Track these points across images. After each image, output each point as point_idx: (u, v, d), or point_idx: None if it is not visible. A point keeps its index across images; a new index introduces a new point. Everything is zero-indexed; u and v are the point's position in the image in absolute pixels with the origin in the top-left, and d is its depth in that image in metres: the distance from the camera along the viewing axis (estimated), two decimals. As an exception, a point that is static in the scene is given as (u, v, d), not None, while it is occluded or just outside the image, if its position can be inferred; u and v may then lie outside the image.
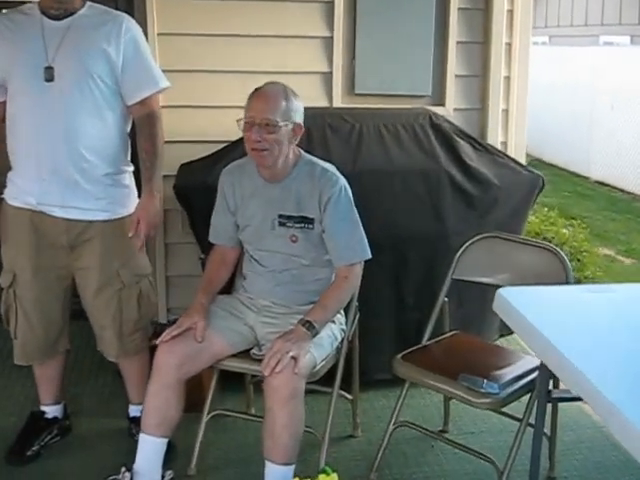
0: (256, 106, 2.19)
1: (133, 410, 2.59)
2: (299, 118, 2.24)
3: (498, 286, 2.55)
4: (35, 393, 2.61)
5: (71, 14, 2.25)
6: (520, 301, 1.85)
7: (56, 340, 2.46)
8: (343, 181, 2.30)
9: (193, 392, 2.33)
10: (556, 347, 1.58)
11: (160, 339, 2.18)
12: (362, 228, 2.32)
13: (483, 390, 2.15)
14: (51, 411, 2.58)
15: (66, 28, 2.23)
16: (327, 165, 2.33)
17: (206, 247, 2.52)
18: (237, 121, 2.21)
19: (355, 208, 2.32)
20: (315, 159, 2.34)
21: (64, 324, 2.47)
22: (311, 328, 2.16)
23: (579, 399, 1.54)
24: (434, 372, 2.28)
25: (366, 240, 2.32)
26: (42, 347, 2.44)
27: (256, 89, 2.23)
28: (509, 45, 3.25)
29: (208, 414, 2.43)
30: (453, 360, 2.44)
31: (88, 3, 2.31)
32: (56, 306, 2.42)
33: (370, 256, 2.33)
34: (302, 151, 2.35)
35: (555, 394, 2.24)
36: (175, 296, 3.16)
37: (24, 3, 2.37)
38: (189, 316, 2.22)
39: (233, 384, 2.60)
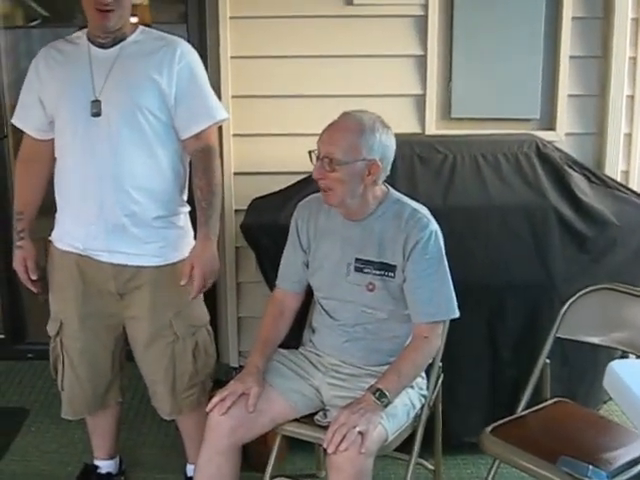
0: (322, 138, 1.98)
1: (190, 469, 2.39)
2: (378, 155, 1.96)
3: (613, 348, 2.24)
4: (93, 442, 2.47)
5: (120, 41, 2.08)
6: (637, 378, 1.54)
7: (105, 393, 2.30)
8: (435, 226, 2.02)
9: (257, 450, 2.13)
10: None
11: (210, 404, 1.96)
12: (451, 281, 2.03)
13: (587, 479, 1.83)
14: (104, 466, 2.43)
15: (114, 57, 2.06)
16: (418, 206, 2.06)
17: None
18: (309, 152, 2.00)
19: (445, 258, 2.02)
20: (406, 198, 2.09)
21: (114, 376, 2.30)
22: (382, 397, 1.90)
23: None
24: (529, 452, 1.96)
25: (454, 296, 2.03)
26: (90, 401, 2.28)
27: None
28: (634, 59, 2.86)
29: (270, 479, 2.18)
30: (553, 437, 2.09)
31: (141, 27, 2.13)
32: (105, 357, 2.25)
33: (457, 315, 2.03)
34: (391, 188, 2.09)
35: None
36: (247, 339, 2.95)
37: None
38: (242, 381, 1.99)
39: (302, 442, 2.34)
